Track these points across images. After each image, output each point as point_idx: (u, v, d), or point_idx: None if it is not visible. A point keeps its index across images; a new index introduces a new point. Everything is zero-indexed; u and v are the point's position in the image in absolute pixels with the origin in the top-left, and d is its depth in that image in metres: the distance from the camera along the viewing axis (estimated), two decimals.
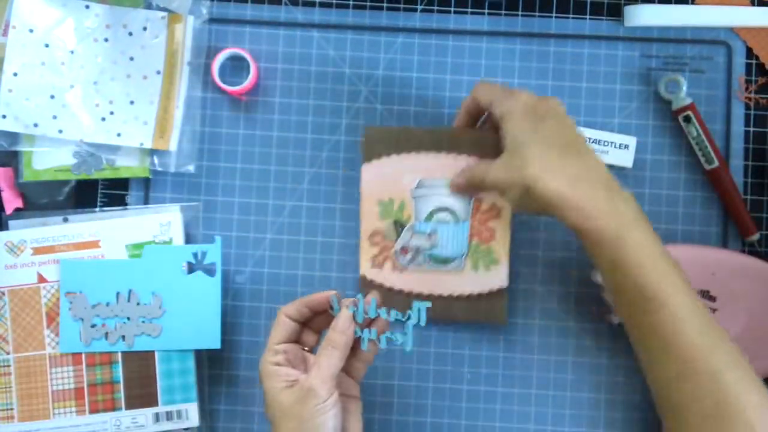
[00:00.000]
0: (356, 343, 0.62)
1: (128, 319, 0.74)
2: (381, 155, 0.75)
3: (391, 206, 0.75)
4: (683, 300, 0.59)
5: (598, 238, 0.61)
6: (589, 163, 0.63)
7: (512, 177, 0.63)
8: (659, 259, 0.60)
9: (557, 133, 0.63)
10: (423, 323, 0.62)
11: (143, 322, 0.74)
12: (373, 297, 0.62)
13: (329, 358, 0.60)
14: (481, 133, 0.73)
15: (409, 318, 0.62)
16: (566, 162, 0.62)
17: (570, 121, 0.65)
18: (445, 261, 0.75)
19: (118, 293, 0.74)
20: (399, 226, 0.75)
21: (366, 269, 0.75)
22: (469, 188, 0.72)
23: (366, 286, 0.75)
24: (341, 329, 0.61)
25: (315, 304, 0.63)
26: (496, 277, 0.75)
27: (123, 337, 0.73)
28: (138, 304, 0.74)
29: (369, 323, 0.62)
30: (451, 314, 0.75)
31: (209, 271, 0.74)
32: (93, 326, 0.73)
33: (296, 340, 0.64)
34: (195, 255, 0.74)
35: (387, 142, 0.74)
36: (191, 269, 0.74)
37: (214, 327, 0.74)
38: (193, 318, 0.74)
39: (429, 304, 0.62)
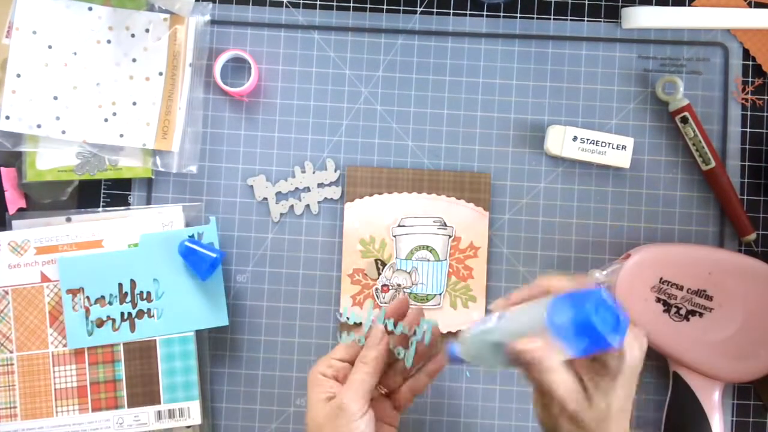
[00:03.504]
0: (407, 371, 0.62)
1: (133, 307, 0.74)
2: (363, 195, 0.77)
3: (372, 245, 0.77)
4: None
5: None
6: None
7: (584, 418, 0.54)
8: None
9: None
10: (427, 342, 0.61)
11: (148, 309, 0.74)
12: (383, 309, 0.61)
13: (359, 373, 0.59)
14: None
15: (414, 334, 0.61)
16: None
17: None
18: (424, 298, 0.77)
19: (119, 284, 0.75)
20: (380, 264, 0.76)
21: (346, 308, 0.77)
22: (518, 361, 0.55)
23: (346, 324, 0.77)
24: (371, 344, 0.60)
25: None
26: (474, 315, 0.77)
27: (130, 325, 0.74)
28: (141, 292, 0.74)
29: (404, 340, 0.62)
30: (430, 351, 0.76)
31: None
32: (97, 319, 0.74)
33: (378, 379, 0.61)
34: (192, 237, 0.75)
35: (368, 182, 0.77)
36: None
37: (220, 305, 0.75)
38: (198, 299, 0.75)
39: (436, 323, 0.61)
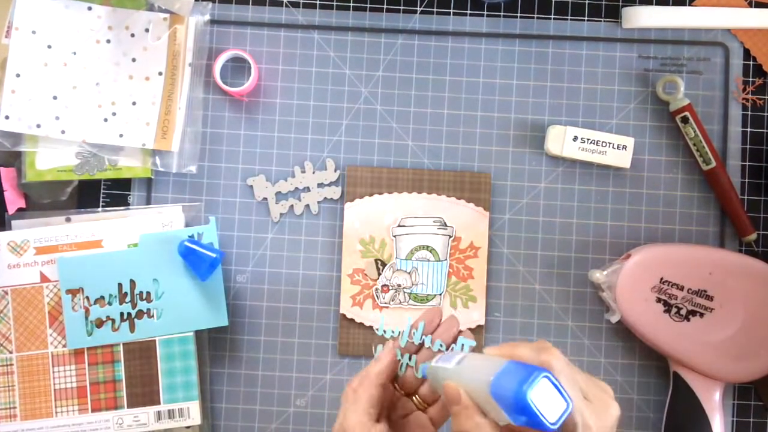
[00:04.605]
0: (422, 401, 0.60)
1: (132, 307, 0.74)
2: (363, 195, 0.77)
3: (372, 245, 0.77)
4: None
5: None
6: None
7: None
8: None
9: None
10: None
11: (147, 309, 0.74)
12: (422, 321, 0.59)
13: (363, 387, 0.57)
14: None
15: (451, 351, 0.58)
16: None
17: None
18: (424, 299, 0.77)
19: (119, 284, 0.74)
20: (380, 264, 0.76)
21: (346, 308, 0.77)
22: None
23: (345, 324, 0.77)
24: (378, 357, 0.58)
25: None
26: (474, 315, 0.76)
27: (130, 326, 0.74)
28: (140, 292, 0.74)
29: (417, 350, 0.59)
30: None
31: None
32: (97, 319, 0.74)
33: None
34: (192, 238, 0.75)
35: (368, 182, 0.77)
36: None
37: (219, 305, 0.75)
38: (198, 299, 0.75)
39: (474, 343, 0.59)
